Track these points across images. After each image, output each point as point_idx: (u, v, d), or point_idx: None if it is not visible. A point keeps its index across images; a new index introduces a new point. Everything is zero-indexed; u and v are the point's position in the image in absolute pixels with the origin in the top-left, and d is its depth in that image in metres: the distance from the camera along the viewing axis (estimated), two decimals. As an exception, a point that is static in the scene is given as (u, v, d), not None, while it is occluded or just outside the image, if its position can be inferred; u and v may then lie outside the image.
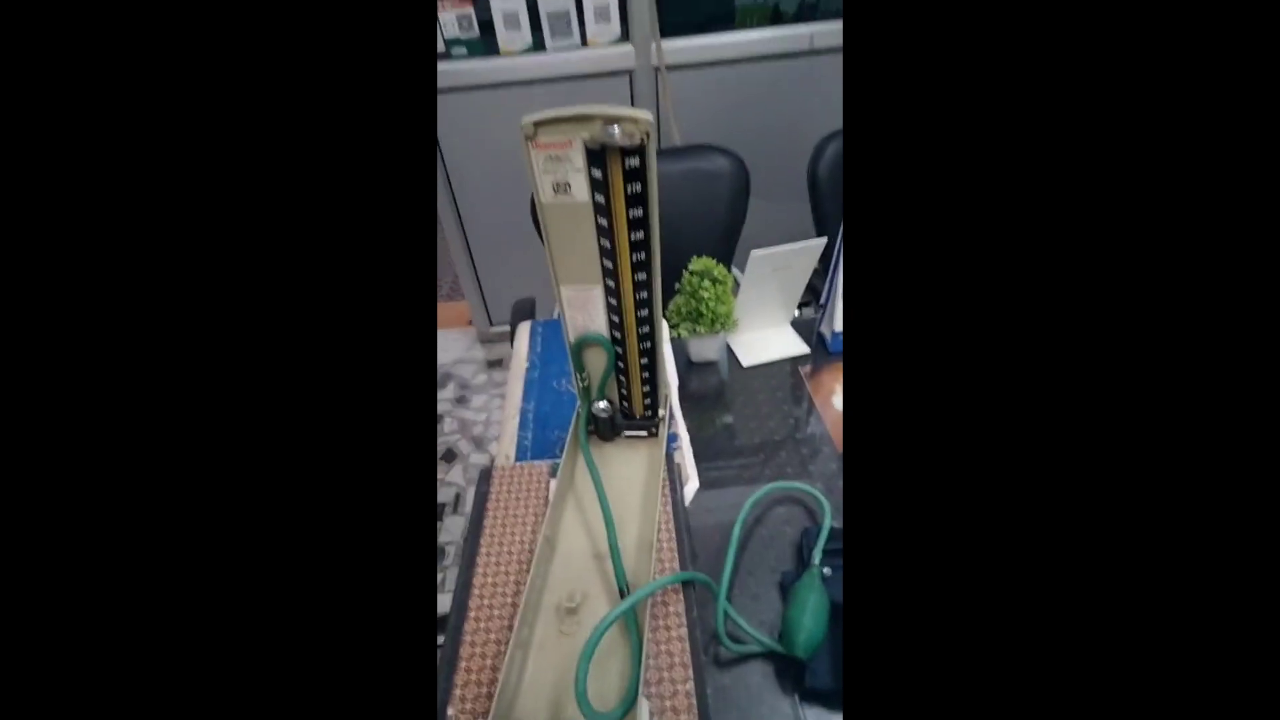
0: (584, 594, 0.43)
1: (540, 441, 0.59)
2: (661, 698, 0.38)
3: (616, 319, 0.44)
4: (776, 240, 0.76)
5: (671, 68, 1.36)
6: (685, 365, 0.80)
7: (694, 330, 0.72)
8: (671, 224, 1.09)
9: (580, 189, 0.36)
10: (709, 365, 0.80)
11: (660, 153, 1.12)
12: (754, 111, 1.44)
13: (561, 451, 0.50)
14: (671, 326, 0.74)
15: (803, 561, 0.55)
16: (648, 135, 0.33)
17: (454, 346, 1.86)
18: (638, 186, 0.36)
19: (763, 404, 0.74)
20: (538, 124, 0.32)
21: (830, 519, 0.56)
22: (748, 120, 1.43)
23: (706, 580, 0.47)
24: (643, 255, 0.40)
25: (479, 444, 1.56)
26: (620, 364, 0.48)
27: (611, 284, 0.42)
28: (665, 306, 0.76)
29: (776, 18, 1.42)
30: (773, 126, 1.44)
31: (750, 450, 0.68)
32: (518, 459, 0.58)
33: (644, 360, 0.47)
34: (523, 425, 0.61)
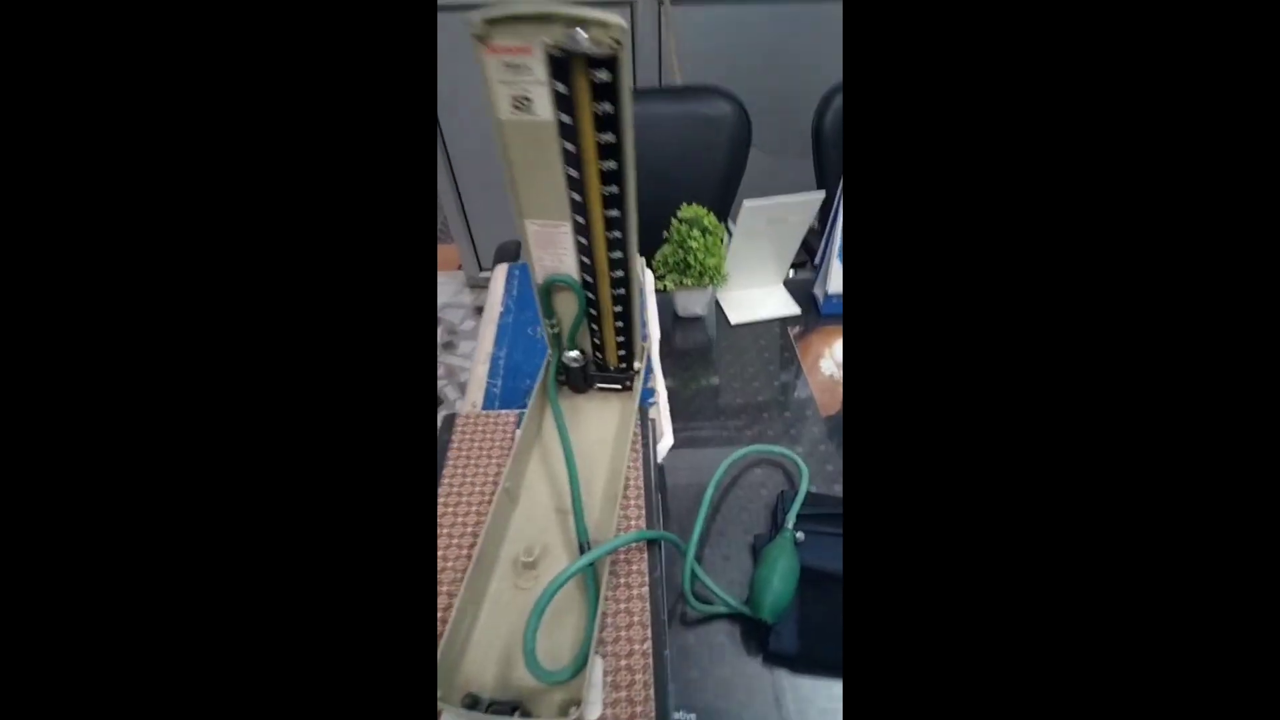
0: (544, 548, 0.41)
1: (511, 391, 0.56)
2: (618, 656, 0.37)
3: (587, 260, 0.41)
4: (778, 194, 0.72)
5: (676, 0, 1.27)
6: (671, 319, 0.77)
7: (681, 282, 0.69)
8: (666, 169, 1.04)
9: (543, 105, 0.32)
10: (696, 320, 0.76)
11: (658, 91, 1.06)
12: (760, 56, 1.36)
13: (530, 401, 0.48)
14: (657, 277, 0.71)
15: (776, 525, 0.53)
16: (618, 43, 0.29)
17: (442, 290, 1.81)
18: (608, 106, 0.32)
19: (749, 364, 0.71)
20: (491, 22, 0.28)
21: (807, 483, 0.54)
22: (753, 65, 1.35)
23: (674, 539, 0.45)
24: (615, 189, 0.36)
25: (465, 391, 1.54)
26: (592, 310, 0.45)
27: (581, 220, 0.38)
28: (652, 255, 0.72)
29: (792, -44, 1.33)
30: (780, 73, 1.36)
31: (733, 411, 0.65)
32: (485, 407, 0.55)
33: (618, 308, 0.44)
34: (493, 373, 0.58)
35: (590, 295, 0.43)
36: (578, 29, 0.29)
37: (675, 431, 0.55)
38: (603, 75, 0.31)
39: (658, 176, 1.05)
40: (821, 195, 0.68)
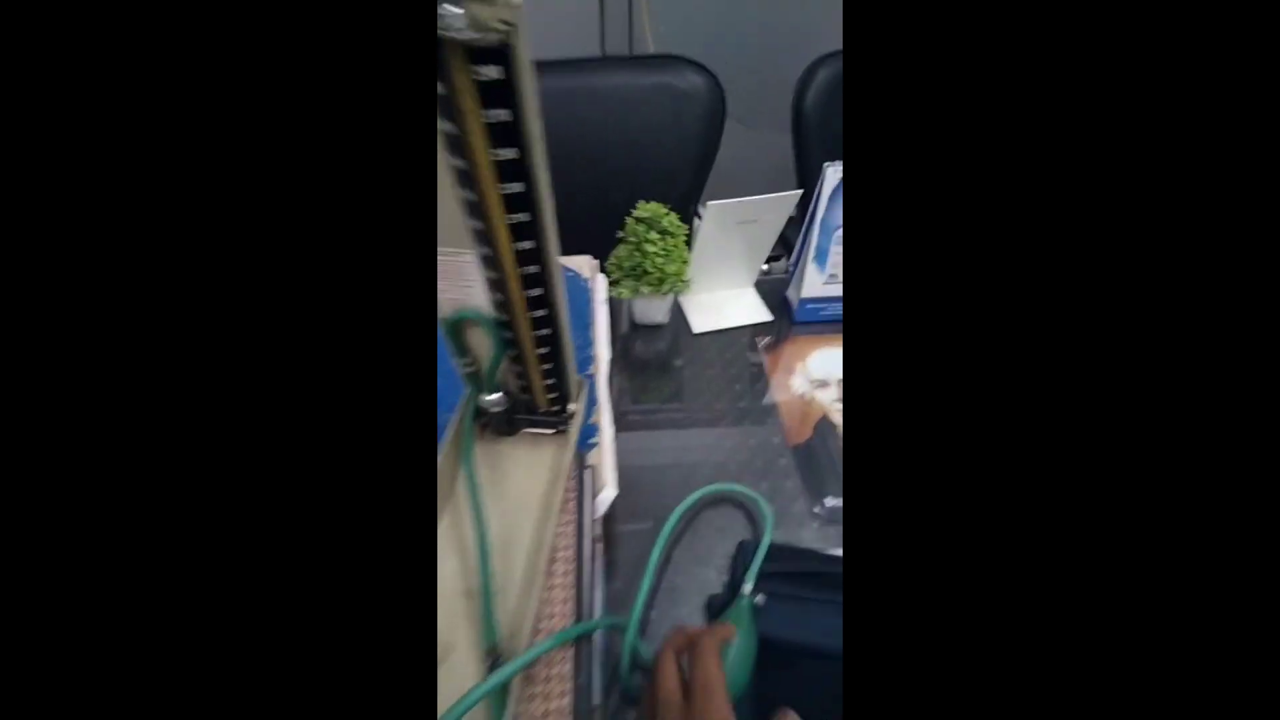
0: (445, 647, 0.34)
1: (430, 425, 0.48)
2: (525, 797, 0.30)
3: (500, 296, 0.32)
4: (755, 176, 0.63)
5: (648, -43, 1.15)
6: (629, 326, 0.69)
7: (637, 289, 0.60)
8: (633, 147, 0.94)
9: (412, 110, 0.23)
10: (656, 328, 0.69)
11: (625, 59, 0.95)
12: (741, 22, 1.25)
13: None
14: (611, 282, 0.62)
15: (735, 581, 0.47)
16: (509, 25, 0.20)
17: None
18: (505, 114, 0.23)
19: (713, 379, 0.64)
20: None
21: (770, 534, 0.47)
22: (733, 31, 1.24)
23: (607, 623, 0.38)
24: (526, 215, 0.28)
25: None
26: (512, 350, 0.36)
27: (488, 251, 0.30)
28: (608, 255, 0.63)
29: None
30: (761, 42, 1.25)
31: (692, 436, 0.58)
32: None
33: (542, 349, 0.36)
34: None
35: (508, 333, 0.35)
36: (446, 4, 0.20)
37: (625, 457, 0.47)
38: (491, 72, 0.22)
39: (624, 156, 0.95)
40: (798, 195, 0.60)
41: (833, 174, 0.58)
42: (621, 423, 0.56)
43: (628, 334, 0.68)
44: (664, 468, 0.55)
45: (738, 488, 0.52)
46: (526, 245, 0.29)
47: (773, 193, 0.59)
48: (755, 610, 0.43)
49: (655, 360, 0.66)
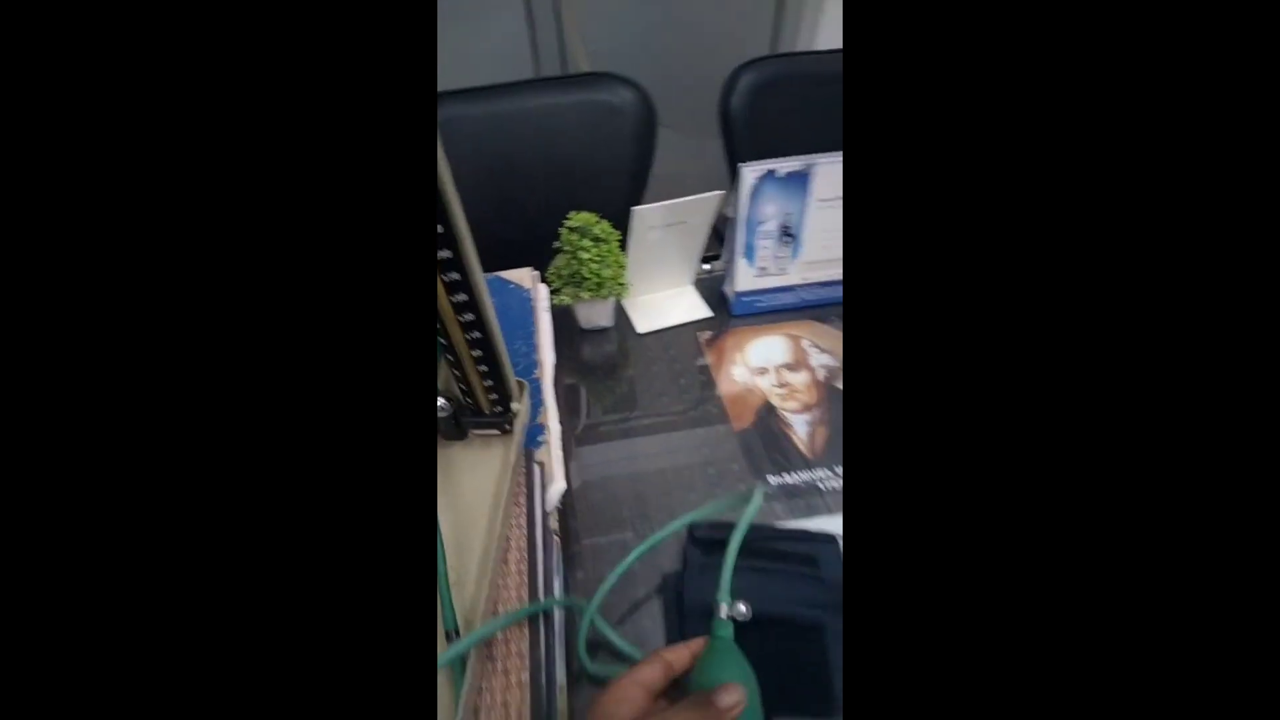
0: (407, 639, 0.36)
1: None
2: (489, 765, 0.32)
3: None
4: (691, 180, 0.67)
5: (573, -19, 1.20)
6: (577, 333, 0.72)
7: (577, 295, 0.64)
8: (570, 162, 0.98)
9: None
10: (602, 332, 0.72)
11: (555, 79, 0.99)
12: (667, 34, 1.30)
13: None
14: (552, 291, 0.65)
15: (686, 560, 0.48)
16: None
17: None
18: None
19: (659, 376, 0.67)
20: None
21: (742, 536, 0.41)
22: (660, 43, 1.29)
23: (563, 602, 0.41)
24: (441, 227, 0.30)
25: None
26: (449, 355, 0.39)
27: (411, 264, 0.32)
28: (545, 267, 0.66)
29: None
30: (687, 53, 1.31)
31: (646, 431, 0.61)
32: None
33: (477, 353, 0.39)
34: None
35: (441, 340, 0.38)
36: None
37: (586, 453, 0.50)
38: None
39: (561, 173, 0.98)
40: (719, 195, 0.64)
41: (749, 174, 0.62)
42: (581, 436, 0.59)
43: (576, 340, 0.71)
44: (621, 478, 0.56)
45: (706, 512, 0.47)
46: (445, 254, 0.32)
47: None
48: (738, 626, 0.37)
49: (604, 364, 0.69)
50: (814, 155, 0.63)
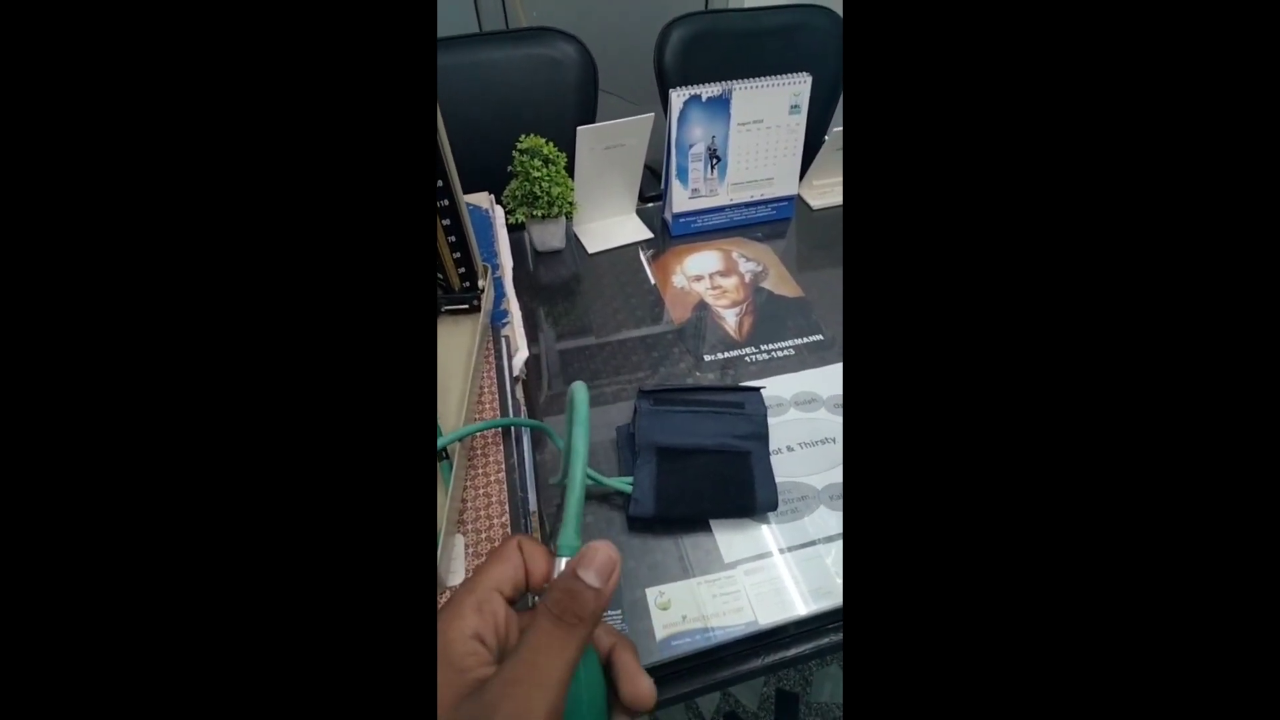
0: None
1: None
2: (478, 532, 0.41)
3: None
4: None
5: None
6: (533, 255, 0.80)
7: (531, 214, 0.72)
8: (515, 113, 1.05)
9: None
10: (556, 254, 0.80)
11: (501, 34, 1.05)
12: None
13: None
14: (508, 211, 0.73)
15: (637, 409, 0.56)
16: None
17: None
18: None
19: (608, 287, 0.75)
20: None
21: (584, 409, 0.49)
22: (598, 7, 1.37)
23: (533, 424, 0.49)
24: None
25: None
26: (424, 231, 0.47)
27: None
28: (501, 192, 0.74)
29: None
30: (622, 12, 1.39)
31: (595, 328, 0.70)
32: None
33: (451, 238, 0.46)
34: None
35: (418, 215, 0.45)
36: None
37: (555, 363, 0.57)
38: None
39: (506, 125, 1.05)
40: (651, 116, 0.73)
41: (676, 98, 0.71)
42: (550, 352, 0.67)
43: (533, 262, 0.79)
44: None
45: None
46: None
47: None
48: (683, 456, 0.47)
49: (560, 283, 0.77)
50: (732, 81, 0.72)
